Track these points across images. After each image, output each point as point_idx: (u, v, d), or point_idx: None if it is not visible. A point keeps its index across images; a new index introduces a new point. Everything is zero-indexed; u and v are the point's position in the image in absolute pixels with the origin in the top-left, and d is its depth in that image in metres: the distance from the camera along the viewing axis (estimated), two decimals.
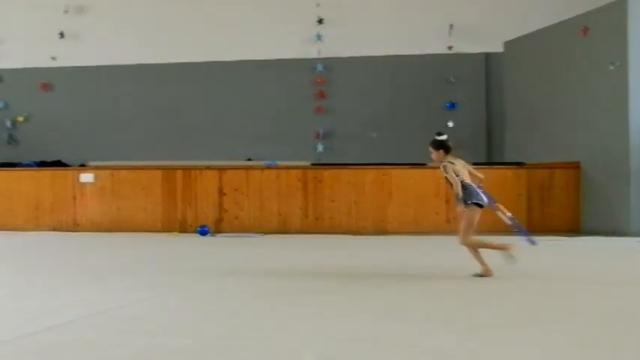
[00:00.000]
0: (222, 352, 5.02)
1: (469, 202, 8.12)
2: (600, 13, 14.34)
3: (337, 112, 18.35)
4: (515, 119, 16.76)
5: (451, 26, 17.72)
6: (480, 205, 8.19)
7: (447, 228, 14.28)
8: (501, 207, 8.85)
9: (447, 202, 14.45)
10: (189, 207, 15.07)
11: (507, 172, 14.77)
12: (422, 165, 14.94)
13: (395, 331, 5.57)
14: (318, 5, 18.26)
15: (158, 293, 7.43)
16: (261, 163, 15.80)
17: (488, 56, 17.88)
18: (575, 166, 14.67)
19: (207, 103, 18.95)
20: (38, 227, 15.32)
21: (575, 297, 7.19)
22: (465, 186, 8.15)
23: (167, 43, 19.05)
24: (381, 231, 14.49)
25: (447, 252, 10.73)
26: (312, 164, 15.72)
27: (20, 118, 19.98)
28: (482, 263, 8.28)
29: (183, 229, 14.95)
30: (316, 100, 18.40)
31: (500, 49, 17.32)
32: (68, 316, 6.15)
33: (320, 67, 18.32)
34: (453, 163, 8.27)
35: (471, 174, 8.39)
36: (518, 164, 15.05)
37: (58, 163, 17.43)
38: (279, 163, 15.55)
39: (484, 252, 8.34)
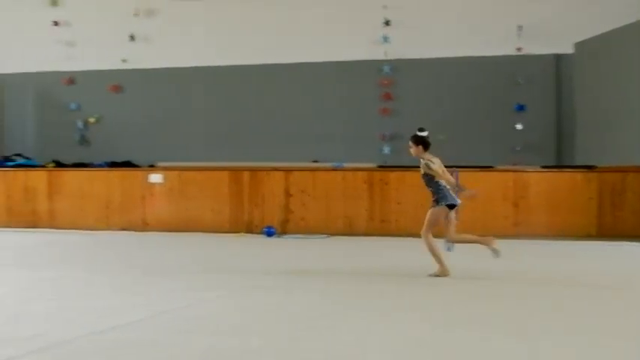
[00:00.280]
0: (289, 353, 5.01)
1: (442, 203, 8.48)
2: None
3: (404, 113, 18.23)
4: (586, 122, 16.41)
5: (520, 27, 17.45)
6: (451, 207, 8.54)
7: (514, 232, 14.05)
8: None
9: (515, 205, 14.22)
10: (256, 208, 15.15)
11: (578, 176, 14.46)
12: (490, 168, 14.73)
13: (460, 336, 5.49)
14: (385, 7, 18.15)
15: (224, 293, 7.47)
16: (328, 164, 15.78)
17: (558, 57, 17.54)
18: None
19: (274, 105, 19.02)
20: (108, 227, 15.59)
21: None
22: (440, 187, 8.51)
23: (235, 45, 19.19)
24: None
25: (514, 256, 10.55)
26: (379, 166, 15.64)
27: (92, 120, 20.38)
28: (441, 263, 8.54)
29: (249, 230, 15.04)
30: (383, 102, 18.31)
31: (570, 50, 16.96)
32: (134, 316, 6.22)
33: (386, 69, 18.22)
34: (432, 162, 8.61)
35: (444, 174, 8.67)
36: (589, 167, 14.73)
37: (127, 164, 17.73)
38: (346, 164, 15.52)
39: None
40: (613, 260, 10.33)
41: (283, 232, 14.75)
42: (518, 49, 17.55)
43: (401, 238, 13.92)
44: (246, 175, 15.27)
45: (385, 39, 18.06)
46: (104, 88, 20.13)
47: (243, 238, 14.29)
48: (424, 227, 8.58)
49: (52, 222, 15.94)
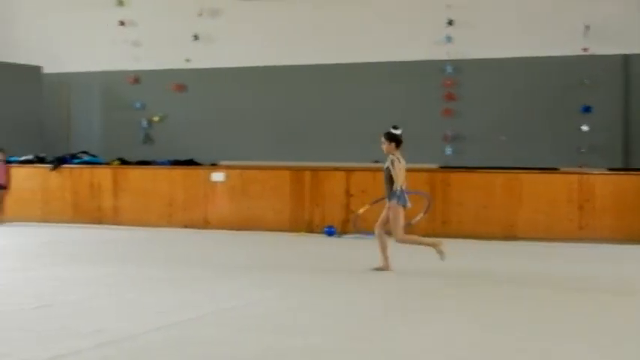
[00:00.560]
0: (347, 353, 4.99)
1: (394, 200, 8.87)
2: None
3: (466, 114, 18.03)
4: None
5: (587, 27, 17.13)
6: (403, 207, 9.00)
7: (579, 235, 13.78)
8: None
9: (580, 208, 13.96)
10: (317, 207, 15.16)
11: None
12: (554, 170, 14.48)
13: (518, 340, 5.40)
14: (448, 6, 18.00)
15: (285, 292, 7.49)
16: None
17: (626, 58, 17.15)
18: None
19: (336, 105, 19.01)
20: (170, 224, 15.77)
21: None
22: (399, 192, 8.89)
23: (297, 44, 19.25)
24: (510, 236, 14.12)
25: (579, 260, 10.36)
26: (440, 167, 15.50)
27: (156, 118, 20.66)
28: (386, 258, 8.91)
29: (310, 230, 15.05)
30: (445, 103, 18.14)
31: (639, 50, 16.57)
32: (197, 312, 6.28)
33: (449, 69, 18.04)
34: (399, 161, 8.99)
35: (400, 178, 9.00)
36: None
37: (190, 162, 17.91)
38: (407, 165, 15.39)
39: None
40: None
41: (343, 231, 14.73)
42: (585, 50, 17.22)
43: (462, 240, 13.77)
44: (307, 174, 15.29)
45: (448, 39, 17.90)
46: (168, 87, 20.38)
47: (303, 237, 14.32)
48: (395, 234, 8.92)
49: (116, 219, 16.20)
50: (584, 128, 16.97)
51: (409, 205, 8.99)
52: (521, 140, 17.43)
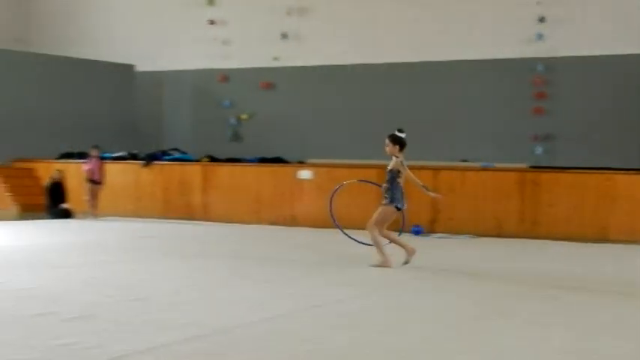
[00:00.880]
0: (434, 352, 4.95)
1: (393, 204, 8.98)
2: None
3: (557, 113, 17.64)
4: None
5: None
6: (398, 209, 9.11)
7: None
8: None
9: None
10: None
11: None
12: None
13: (603, 347, 5.24)
14: (538, 3, 17.64)
15: (372, 290, 7.48)
16: (477, 164, 15.50)
17: None
18: None
19: (424, 103, 18.87)
20: (258, 221, 15.92)
21: None
22: (397, 189, 9.03)
23: (384, 42, 19.19)
24: (602, 239, 13.73)
25: None
26: (530, 167, 15.21)
27: (244, 116, 20.92)
28: (383, 254, 8.95)
29: (397, 228, 14.95)
30: (535, 101, 17.79)
31: None
32: (285, 308, 6.32)
33: (540, 67, 17.67)
34: (402, 163, 9.13)
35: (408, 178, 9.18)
36: None
37: (278, 160, 18.06)
38: (496, 164, 15.18)
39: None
40: None
41: (431, 231, 14.60)
42: None
43: (552, 242, 13.48)
44: None
45: (539, 36, 17.54)
46: (256, 85, 20.60)
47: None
48: (371, 221, 8.95)
49: (205, 214, 16.46)
50: None
51: (405, 206, 9.23)
52: (615, 140, 16.96)
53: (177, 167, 17.23)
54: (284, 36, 20.23)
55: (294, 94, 20.26)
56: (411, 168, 15.11)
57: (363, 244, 9.98)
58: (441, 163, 15.64)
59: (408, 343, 5.19)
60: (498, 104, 18.09)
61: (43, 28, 23.72)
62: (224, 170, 16.77)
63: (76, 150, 18.93)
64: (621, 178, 13.91)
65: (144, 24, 22.19)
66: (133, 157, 18.23)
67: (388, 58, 19.04)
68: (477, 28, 18.26)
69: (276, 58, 20.33)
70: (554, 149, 17.56)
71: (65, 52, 21.55)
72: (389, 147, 9.22)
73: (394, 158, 9.16)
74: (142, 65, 21.60)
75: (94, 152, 16.42)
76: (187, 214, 16.59)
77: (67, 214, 16.16)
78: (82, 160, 17.19)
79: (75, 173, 17.48)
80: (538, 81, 17.69)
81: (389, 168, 9.16)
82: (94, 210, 16.30)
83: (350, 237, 10.38)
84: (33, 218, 15.96)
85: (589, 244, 13.11)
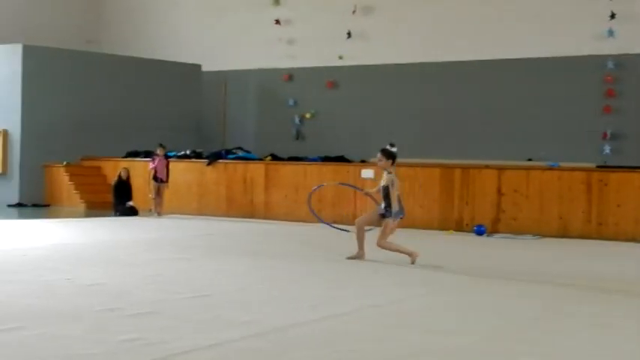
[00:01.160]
0: (495, 353, 4.89)
1: (396, 217, 9.12)
2: None
3: (628, 112, 17.25)
4: None
5: None
6: (401, 218, 9.33)
7: None
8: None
9: None
10: (467, 206, 14.93)
11: None
12: None
13: None
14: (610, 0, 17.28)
15: (434, 290, 7.43)
16: (543, 163, 15.26)
17: None
18: None
19: (489, 102, 18.68)
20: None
21: None
22: (396, 200, 9.08)
23: (449, 41, 19.05)
24: None
25: None
26: (598, 166, 14.91)
27: (307, 115, 21.00)
28: (407, 252, 9.18)
29: (459, 228, 14.84)
30: (605, 99, 17.43)
31: None
32: (344, 308, 6.32)
33: (611, 65, 17.30)
34: (396, 177, 9.23)
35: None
36: None
37: (340, 159, 18.06)
38: (562, 164, 14.93)
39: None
40: None
41: (494, 231, 14.43)
42: None
43: (620, 243, 13.20)
44: (457, 172, 15.09)
45: (610, 33, 17.16)
46: (320, 84, 20.65)
47: (452, 235, 14.15)
48: (380, 238, 9.16)
49: (267, 213, 16.56)
50: None
51: (405, 215, 9.44)
52: None
53: (240, 166, 17.37)
54: (349, 35, 20.23)
55: (358, 92, 20.25)
56: (475, 167, 15.07)
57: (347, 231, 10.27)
58: (505, 162, 15.45)
59: (469, 343, 5.14)
60: (567, 102, 17.79)
61: (112, 29, 24.20)
62: (286, 169, 16.85)
63: (142, 149, 19.26)
64: None
65: (210, 24, 22.45)
66: (198, 155, 18.46)
67: (453, 57, 18.89)
68: (546, 25, 17.99)
69: (340, 57, 20.35)
70: (623, 148, 17.19)
71: (133, 52, 21.95)
72: (382, 162, 9.33)
73: (386, 174, 9.27)
74: (208, 65, 21.86)
75: (159, 151, 16.65)
76: (250, 212, 16.72)
77: (132, 212, 16.44)
78: (148, 159, 17.47)
79: (141, 172, 17.77)
80: (608, 79, 17.32)
81: (383, 184, 9.25)
82: (158, 208, 16.54)
83: (336, 227, 10.70)
84: (99, 216, 16.28)
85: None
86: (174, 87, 21.57)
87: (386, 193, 9.23)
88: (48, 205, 18.78)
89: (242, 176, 17.18)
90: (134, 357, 4.57)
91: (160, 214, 16.45)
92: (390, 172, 9.22)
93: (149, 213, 16.56)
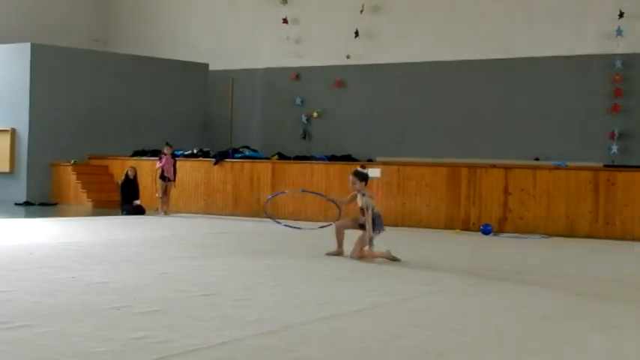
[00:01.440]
0: (504, 351, 4.89)
1: (377, 231, 9.27)
2: None
3: (636, 111, 17.21)
4: None
5: None
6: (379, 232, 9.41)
7: None
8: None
9: None
10: (473, 205, 14.93)
11: None
12: None
13: None
14: None
15: (439, 289, 7.43)
16: (550, 163, 15.25)
17: None
18: None
19: (495, 101, 18.66)
20: (326, 219, 15.95)
21: None
22: (374, 218, 9.25)
23: (457, 40, 19.03)
24: None
25: None
26: (605, 166, 14.90)
27: (315, 114, 21.00)
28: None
29: (465, 227, 14.85)
30: (613, 99, 17.39)
31: None
32: (354, 305, 6.32)
33: (619, 64, 17.26)
34: (371, 197, 9.42)
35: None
36: None
37: (347, 158, 18.07)
38: (569, 163, 14.91)
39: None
40: None
41: (500, 230, 14.42)
42: None
43: (627, 242, 13.19)
44: (464, 171, 15.09)
45: (619, 32, 17.12)
46: (327, 83, 20.66)
47: (458, 235, 14.14)
48: (354, 251, 9.30)
49: (273, 212, 16.55)
50: None
51: (384, 229, 9.51)
52: None
53: (247, 165, 17.39)
54: (356, 34, 20.23)
55: (365, 92, 20.26)
56: (482, 166, 15.06)
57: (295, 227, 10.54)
58: (512, 162, 15.45)
59: (476, 342, 5.14)
60: (575, 101, 17.76)
61: (120, 28, 24.24)
62: (293, 168, 16.87)
63: (149, 148, 19.29)
64: None
65: (217, 23, 22.47)
66: (205, 154, 18.48)
67: (461, 56, 18.88)
68: (555, 25, 17.96)
69: (348, 56, 20.34)
70: (630, 148, 17.15)
71: (141, 51, 22.00)
72: (356, 184, 9.43)
73: (360, 196, 9.40)
74: (215, 64, 21.89)
75: (166, 150, 16.68)
76: (256, 211, 16.73)
77: (139, 211, 16.47)
78: (155, 158, 17.50)
79: (148, 170, 17.81)
80: (616, 78, 17.29)
81: (360, 206, 9.39)
82: (165, 207, 16.57)
83: (291, 226, 10.77)
84: (106, 214, 16.32)
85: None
86: (182, 86, 21.60)
87: (363, 212, 9.38)
88: (55, 204, 18.84)
89: (249, 175, 17.20)
90: (142, 355, 4.59)
91: (166, 212, 16.48)
92: (364, 194, 9.38)
93: (156, 212, 16.59)
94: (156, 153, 17.99)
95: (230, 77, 20.24)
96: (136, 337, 4.96)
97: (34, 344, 4.77)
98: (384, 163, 16.08)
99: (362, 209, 9.37)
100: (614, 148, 17.15)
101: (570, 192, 14.18)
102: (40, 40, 20.22)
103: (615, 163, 15.83)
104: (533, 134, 18.06)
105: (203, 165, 17.89)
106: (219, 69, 21.71)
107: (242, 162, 17.56)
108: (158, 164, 16.73)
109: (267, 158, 17.92)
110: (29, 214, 16.17)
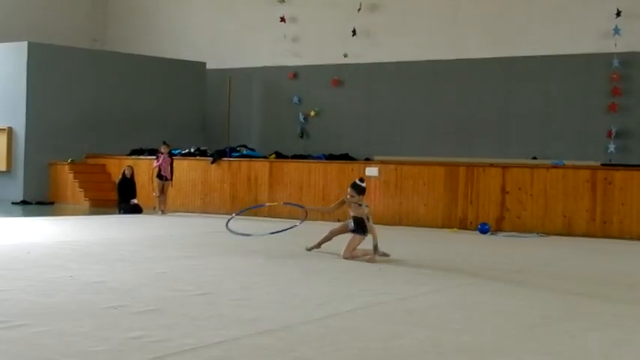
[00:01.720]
0: (502, 351, 4.89)
1: (365, 233, 9.44)
2: None
3: (634, 110, 17.21)
4: None
5: None
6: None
7: None
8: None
9: None
10: (471, 204, 14.93)
11: None
12: None
13: None
14: None
15: (438, 288, 7.43)
16: (548, 161, 15.25)
17: None
18: None
19: (492, 100, 18.66)
20: (324, 218, 15.94)
21: None
22: (366, 223, 9.41)
23: (455, 39, 19.02)
24: None
25: None
26: (602, 164, 14.90)
27: (312, 113, 20.98)
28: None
29: (463, 226, 14.85)
30: (611, 98, 17.39)
31: None
32: (351, 305, 6.32)
33: (616, 63, 17.25)
34: (367, 206, 9.55)
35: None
36: None
37: (345, 157, 18.06)
38: (567, 162, 14.92)
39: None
40: None
41: (498, 229, 14.43)
42: None
43: (624, 241, 13.20)
44: (462, 170, 15.09)
45: (616, 31, 17.11)
46: (325, 82, 20.64)
47: (456, 233, 14.14)
48: (347, 251, 9.39)
49: (271, 211, 16.54)
50: None
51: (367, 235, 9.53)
52: None
53: (244, 164, 17.38)
54: (354, 33, 20.21)
55: (363, 90, 20.25)
56: (479, 165, 15.06)
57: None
58: (509, 161, 15.45)
59: (475, 341, 5.13)
60: (572, 100, 17.76)
61: (118, 27, 24.23)
62: (291, 167, 16.86)
63: (146, 147, 19.27)
64: None
65: (215, 22, 22.45)
66: (202, 153, 18.47)
67: (458, 55, 18.88)
68: (552, 23, 17.96)
69: (345, 55, 20.33)
70: (628, 147, 17.16)
71: (139, 50, 21.98)
72: (354, 197, 9.49)
73: (357, 206, 9.51)
74: (213, 63, 21.87)
75: (163, 149, 16.67)
76: (254, 210, 16.69)
77: (136, 210, 16.45)
78: (152, 157, 17.48)
79: (145, 169, 17.79)
80: (614, 76, 17.28)
81: (360, 216, 9.49)
82: (162, 206, 16.55)
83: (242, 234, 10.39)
84: (103, 213, 16.30)
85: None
86: (179, 85, 21.58)
87: (360, 220, 9.48)
88: (52, 203, 18.81)
89: (246, 174, 17.19)
90: (139, 354, 4.58)
91: (164, 211, 16.46)
92: (360, 204, 9.50)
93: (153, 211, 16.58)
94: (153, 152, 17.97)
95: (228, 76, 20.20)
96: (133, 337, 4.95)
97: (31, 343, 4.76)
98: (382, 162, 16.07)
99: (355, 218, 9.53)
100: (612, 147, 17.15)
101: (568, 191, 14.19)
102: (37, 39, 20.19)
103: (613, 162, 15.84)
104: (530, 133, 18.06)
105: (200, 164, 17.88)
106: (217, 68, 21.70)
107: (239, 161, 17.55)
108: (155, 163, 16.71)
109: (265, 157, 17.91)
110: (26, 213, 16.15)
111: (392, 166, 15.76)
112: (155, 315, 5.67)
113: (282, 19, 21.01)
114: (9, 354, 4.52)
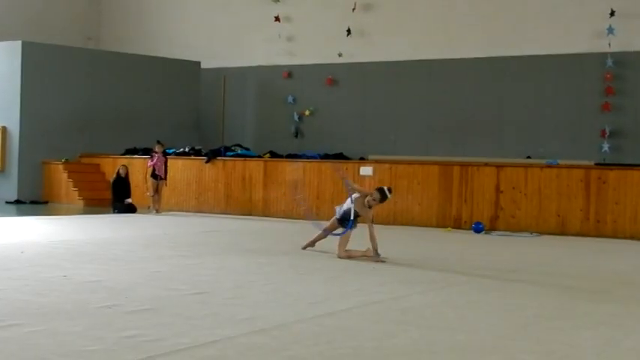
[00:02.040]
0: (496, 350, 4.90)
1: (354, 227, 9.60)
2: None
3: (627, 109, 17.24)
4: None
5: None
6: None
7: None
8: None
9: None
10: (465, 204, 14.94)
11: None
12: None
13: None
14: None
15: (431, 287, 7.44)
16: (542, 161, 15.28)
17: None
18: None
19: (486, 100, 18.67)
20: (319, 217, 15.94)
21: None
22: (353, 218, 9.53)
23: (448, 38, 19.03)
24: None
25: None
26: (596, 164, 14.93)
27: (307, 112, 20.98)
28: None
29: (457, 226, 14.85)
30: (604, 97, 17.42)
31: None
32: (346, 304, 6.33)
33: (610, 62, 17.28)
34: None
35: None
36: None
37: (339, 156, 18.06)
38: (561, 161, 14.94)
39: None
40: None
41: (492, 228, 14.44)
42: None
43: (618, 240, 13.23)
44: (456, 169, 15.10)
45: (610, 30, 17.14)
46: (319, 81, 20.64)
47: (450, 233, 14.15)
48: (340, 250, 9.48)
49: (265, 210, 16.57)
50: None
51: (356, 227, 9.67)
52: None
53: (239, 163, 17.37)
54: (348, 32, 20.21)
55: (357, 90, 20.25)
56: (474, 164, 15.08)
57: None
58: (504, 160, 15.46)
59: (470, 340, 5.14)
60: (566, 100, 17.79)
61: (112, 26, 24.19)
62: (285, 166, 16.85)
63: (140, 146, 19.24)
64: None
65: (209, 21, 22.43)
66: (196, 153, 18.45)
67: (453, 55, 18.89)
68: (546, 23, 17.98)
69: (340, 55, 20.32)
70: (622, 146, 17.19)
71: (133, 49, 21.95)
72: (375, 202, 9.53)
73: (367, 208, 9.59)
74: (207, 62, 21.84)
75: (157, 148, 16.65)
76: (248, 209, 16.73)
77: (130, 209, 16.43)
78: (146, 156, 17.45)
79: (139, 169, 17.77)
80: (607, 76, 17.31)
81: (358, 214, 9.59)
82: (157, 205, 16.54)
83: None
84: (98, 213, 16.27)
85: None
86: (174, 84, 21.56)
87: (355, 216, 9.57)
88: (46, 202, 18.77)
89: (241, 173, 17.18)
90: (133, 353, 4.57)
91: (158, 211, 16.44)
92: (370, 207, 9.62)
93: (147, 210, 16.56)
94: (147, 151, 17.95)
95: (222, 75, 20.19)
96: (127, 336, 4.95)
97: (24, 343, 4.76)
98: (376, 162, 16.08)
99: (345, 212, 9.61)
100: (606, 147, 17.18)
101: (562, 190, 14.22)
102: (31, 37, 20.14)
103: (606, 162, 15.86)
104: (525, 132, 18.08)
105: (195, 163, 17.86)
106: (212, 67, 21.68)
107: (234, 160, 17.54)
108: (149, 162, 16.69)
109: (259, 156, 17.90)
110: (20, 213, 16.12)
111: (386, 166, 15.76)
112: (149, 314, 5.67)
113: (277, 19, 21.00)
114: (3, 354, 4.52)
